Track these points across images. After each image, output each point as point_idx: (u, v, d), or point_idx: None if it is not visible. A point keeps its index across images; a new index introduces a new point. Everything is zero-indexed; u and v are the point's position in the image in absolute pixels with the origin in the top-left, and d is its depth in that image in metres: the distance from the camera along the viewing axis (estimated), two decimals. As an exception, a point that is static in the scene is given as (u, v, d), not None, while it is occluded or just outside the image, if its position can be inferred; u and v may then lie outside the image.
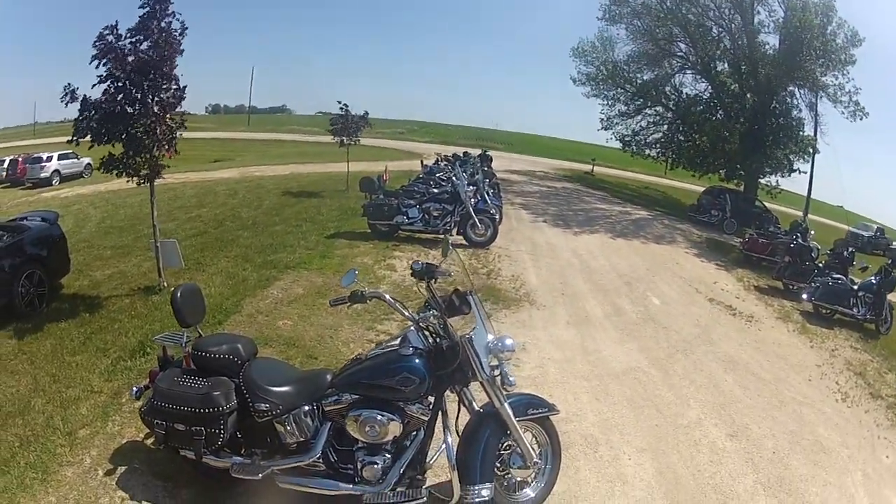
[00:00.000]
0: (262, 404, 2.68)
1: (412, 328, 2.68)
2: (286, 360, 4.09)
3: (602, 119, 21.84)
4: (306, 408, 2.70)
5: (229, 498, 3.14)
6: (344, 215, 10.60)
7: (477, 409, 2.70)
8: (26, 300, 5.94)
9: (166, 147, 5.82)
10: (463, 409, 2.73)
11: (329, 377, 2.76)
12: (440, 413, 2.64)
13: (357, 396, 2.60)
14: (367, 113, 13.77)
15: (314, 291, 6.31)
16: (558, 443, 2.91)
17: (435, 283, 2.76)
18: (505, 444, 2.67)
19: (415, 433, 2.63)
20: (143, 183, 5.95)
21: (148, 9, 5.43)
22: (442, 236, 7.49)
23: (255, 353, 3.00)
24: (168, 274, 6.48)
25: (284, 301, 5.99)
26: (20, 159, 23.44)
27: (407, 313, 2.71)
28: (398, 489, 2.58)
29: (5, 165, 23.25)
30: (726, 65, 19.27)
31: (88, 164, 22.43)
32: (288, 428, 2.71)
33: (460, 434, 2.69)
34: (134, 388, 3.28)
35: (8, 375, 4.74)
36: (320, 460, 2.69)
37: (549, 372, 4.66)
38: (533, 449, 2.72)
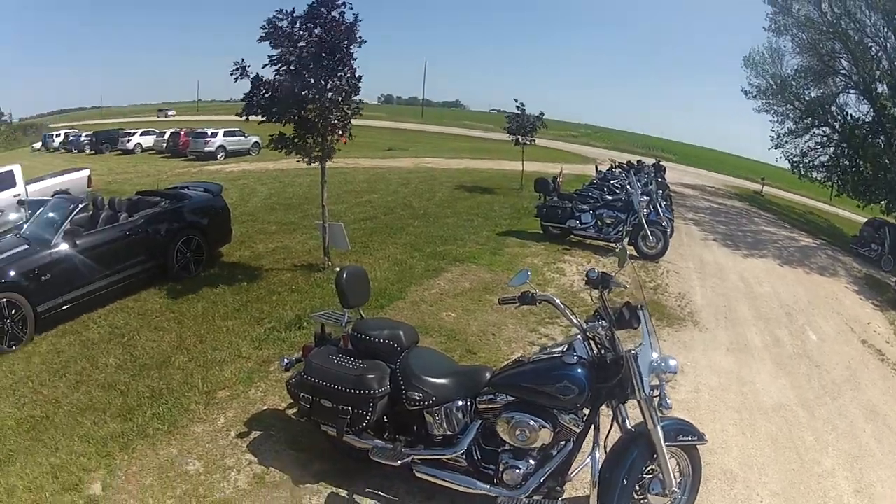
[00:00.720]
0: (416, 393, 3.81)
1: (579, 337, 3.66)
2: (445, 353, 5.32)
3: (772, 136, 28.34)
4: (460, 403, 3.78)
5: (362, 479, 4.42)
6: (517, 214, 14.43)
7: (629, 427, 3.55)
8: (181, 263, 9.10)
9: (340, 132, 8.57)
10: (615, 426, 3.61)
11: (488, 375, 3.82)
12: (592, 427, 3.57)
13: (513, 398, 3.59)
14: (542, 113, 19.06)
15: (481, 287, 8.65)
16: (700, 474, 3.80)
17: (608, 293, 3.67)
18: (648, 468, 3.52)
19: (563, 443, 3.58)
20: (313, 163, 8.53)
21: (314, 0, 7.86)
22: (613, 245, 11.33)
23: (416, 341, 4.23)
24: (333, 254, 9.26)
25: (450, 293, 8.28)
26: (182, 132, 38.08)
27: (575, 321, 3.65)
28: (534, 497, 3.56)
29: (165, 137, 39.26)
30: (885, 86, 23.94)
31: (256, 142, 34.50)
32: (437, 420, 3.82)
33: (607, 451, 3.60)
34: (285, 360, 4.82)
35: (151, 331, 7.34)
36: (463, 456, 3.74)
37: (703, 398, 6.22)
38: (674, 477, 3.56)
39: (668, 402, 3.44)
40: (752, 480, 4.88)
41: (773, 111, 28.11)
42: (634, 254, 11.47)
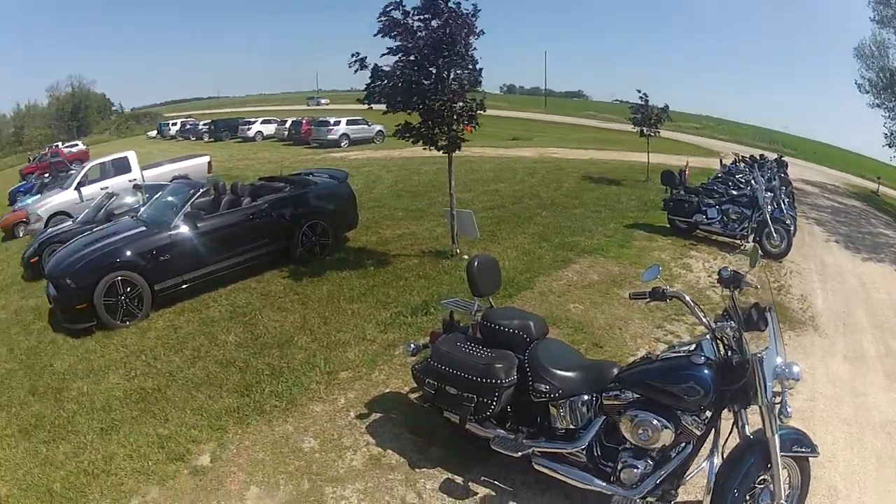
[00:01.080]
0: (543, 385, 4.51)
1: (707, 337, 4.20)
2: (572, 345, 6.03)
3: (886, 134, 32.90)
4: (585, 397, 4.44)
5: (478, 467, 5.33)
6: (643, 206, 16.39)
7: (748, 434, 4.04)
8: (306, 247, 11.10)
9: (465, 122, 9.97)
10: (734, 431, 4.13)
11: (615, 371, 4.45)
12: (712, 430, 4.11)
13: (638, 396, 4.19)
14: (667, 105, 22.35)
15: (609, 279, 9.95)
16: (807, 488, 4.28)
17: (739, 292, 4.17)
18: (761, 478, 3.97)
19: (683, 445, 4.14)
20: (442, 153, 10.33)
21: None
22: (738, 241, 13.26)
23: (545, 332, 5.00)
24: (461, 242, 10.72)
25: (578, 285, 9.60)
26: (304, 121, 49.06)
27: (705, 320, 4.21)
28: (648, 499, 4.14)
29: (288, 125, 50.67)
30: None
31: (380, 131, 43.46)
32: (561, 413, 4.51)
33: (724, 456, 4.11)
34: (411, 345, 5.80)
35: (274, 311, 8.93)
36: (583, 452, 4.40)
37: (818, 408, 6.88)
38: (784, 489, 4.00)
39: (789, 409, 3.90)
40: (853, 498, 5.30)
41: (884, 106, 32.55)
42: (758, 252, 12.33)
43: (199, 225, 9.91)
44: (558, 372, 4.49)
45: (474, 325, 5.19)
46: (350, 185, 12.41)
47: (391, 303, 8.78)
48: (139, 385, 7.23)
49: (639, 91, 21.68)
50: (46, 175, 33.40)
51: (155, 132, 71.94)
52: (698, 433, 4.02)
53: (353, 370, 7.06)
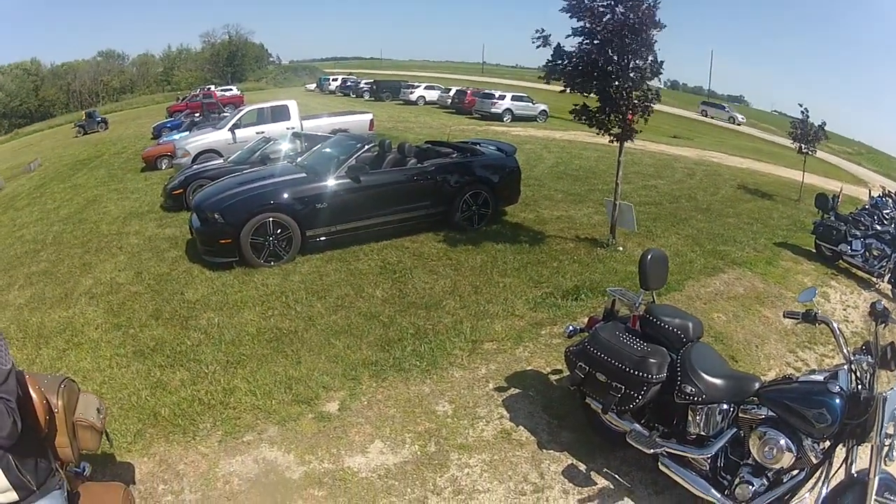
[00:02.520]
0: (690, 387, 4.84)
1: (845, 367, 4.42)
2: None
3: None
4: (724, 406, 4.78)
5: (602, 458, 5.76)
6: (793, 226, 16.79)
7: (853, 472, 4.22)
8: (465, 215, 11.82)
9: (640, 113, 10.45)
10: (843, 466, 4.32)
11: (756, 385, 4.77)
12: (827, 462, 4.33)
13: (772, 414, 4.48)
14: (824, 123, 22.77)
15: (753, 295, 10.29)
16: None
17: (884, 327, 4.47)
18: None
19: (796, 472, 4.42)
20: (614, 141, 10.86)
21: None
22: (874, 279, 13.31)
23: (699, 336, 5.36)
24: (624, 233, 11.23)
25: (724, 295, 9.96)
26: (469, 91, 53.38)
27: (845, 350, 4.45)
28: None
29: (451, 94, 55.44)
30: None
31: (544, 110, 48.81)
32: (698, 418, 4.85)
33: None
34: (570, 326, 6.19)
35: (425, 273, 9.57)
36: (708, 460, 4.76)
37: None
38: None
39: (895, 454, 4.13)
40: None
41: None
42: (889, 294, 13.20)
43: (361, 179, 10.71)
44: (706, 377, 4.80)
45: (635, 317, 5.56)
46: (517, 160, 13.05)
47: (543, 282, 9.30)
48: (275, 325, 7.87)
49: (800, 105, 22.31)
50: (197, 114, 35.98)
51: (314, 85, 77.90)
52: (814, 461, 4.26)
53: (497, 342, 7.50)
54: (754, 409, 4.52)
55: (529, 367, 7.01)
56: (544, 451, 5.72)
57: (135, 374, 7.06)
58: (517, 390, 6.57)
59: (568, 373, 6.05)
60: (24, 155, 45.69)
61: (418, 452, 5.67)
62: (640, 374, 4.91)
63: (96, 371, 7.24)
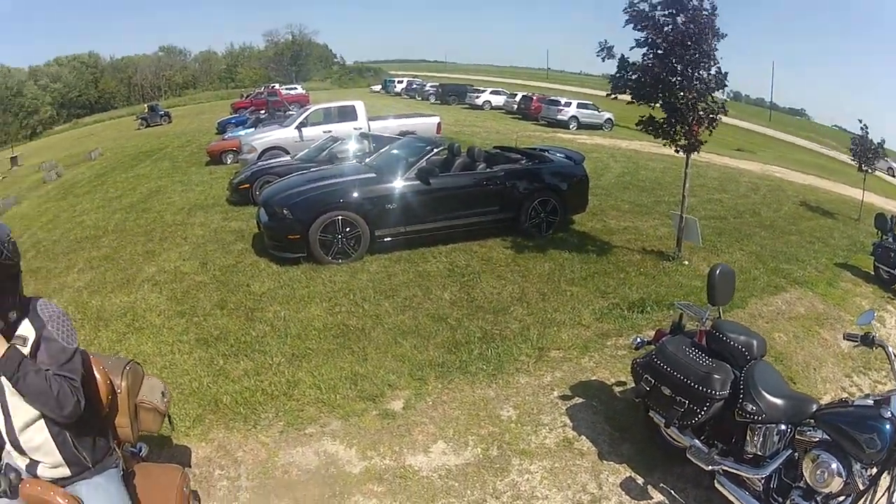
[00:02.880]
0: (751, 406, 4.91)
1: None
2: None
3: None
4: (783, 427, 4.84)
5: (660, 473, 5.82)
6: (853, 247, 16.82)
7: (894, 500, 4.29)
8: (533, 222, 11.97)
9: (706, 125, 10.55)
10: (885, 495, 4.39)
11: (814, 407, 4.84)
12: (871, 489, 4.38)
13: (826, 437, 4.52)
14: (883, 141, 22.83)
15: (813, 316, 10.31)
16: None
17: None
18: None
19: (843, 497, 4.44)
20: (680, 152, 10.95)
21: None
22: None
23: (763, 354, 5.42)
24: (689, 247, 11.36)
25: (785, 315, 10.03)
26: (535, 97, 55.75)
27: None
28: None
29: (517, 99, 57.79)
30: None
31: (609, 119, 49.20)
32: (756, 437, 4.92)
33: None
34: (638, 338, 6.27)
35: (493, 278, 9.76)
36: (762, 480, 4.82)
37: None
38: None
39: None
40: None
41: None
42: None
43: (431, 181, 10.95)
44: (767, 396, 4.87)
45: (701, 332, 5.65)
46: (585, 169, 13.16)
47: (610, 293, 9.45)
48: (342, 321, 8.11)
49: (860, 121, 22.17)
50: (262, 112, 36.87)
51: (379, 87, 79.80)
52: (861, 487, 4.30)
53: (564, 351, 7.66)
54: (810, 431, 4.58)
55: (594, 378, 7.17)
56: (604, 461, 5.85)
57: (197, 361, 7.32)
58: (581, 400, 6.71)
59: (633, 385, 6.27)
60: (83, 144, 47.40)
61: (480, 455, 5.79)
62: (705, 389, 5.00)
63: (157, 356, 7.52)
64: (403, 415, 6.27)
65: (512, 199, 11.74)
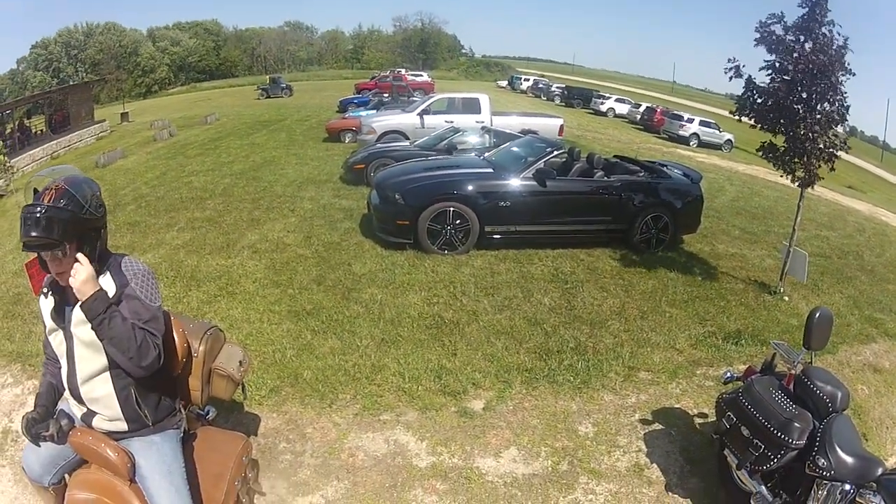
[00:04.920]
0: (823, 461, 4.73)
1: None
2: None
3: None
4: (847, 487, 4.66)
5: None
6: None
7: None
8: (644, 237, 11.88)
9: (826, 159, 10.29)
10: None
11: (879, 470, 4.67)
12: None
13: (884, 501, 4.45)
14: None
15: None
16: None
17: None
18: None
19: None
20: (796, 184, 10.65)
21: (807, 10, 9.73)
22: None
23: (845, 408, 5.25)
24: (791, 283, 11.10)
25: (872, 367, 9.47)
26: (658, 109, 56.57)
27: None
28: None
29: (641, 110, 58.85)
30: None
31: (729, 140, 49.18)
32: (821, 494, 4.76)
33: None
34: (728, 373, 6.12)
35: (596, 289, 9.74)
36: None
37: None
38: None
39: None
40: None
41: None
42: None
43: (548, 183, 10.99)
44: (840, 452, 4.69)
45: (791, 376, 5.47)
46: (702, 189, 12.99)
47: (708, 320, 9.20)
48: (437, 312, 8.22)
49: None
50: (386, 95, 37.66)
51: (505, 83, 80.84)
52: None
53: (653, 374, 7.55)
54: (870, 495, 4.43)
55: (678, 405, 7.04)
56: (670, 493, 5.78)
57: (284, 333, 7.53)
58: (660, 426, 6.60)
59: (714, 419, 6.14)
60: (199, 108, 48.94)
61: (550, 468, 5.79)
62: (783, 436, 4.86)
63: (245, 322, 7.78)
64: (482, 416, 6.31)
65: (626, 211, 11.66)
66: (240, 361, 4.54)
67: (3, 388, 6.58)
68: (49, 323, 3.47)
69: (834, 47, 9.63)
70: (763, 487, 5.14)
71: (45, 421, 3.48)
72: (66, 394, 3.61)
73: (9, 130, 34.09)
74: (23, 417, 3.54)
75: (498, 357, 7.27)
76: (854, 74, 9.88)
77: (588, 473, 5.77)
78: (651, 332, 8.48)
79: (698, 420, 6.79)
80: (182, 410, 4.00)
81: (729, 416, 5.41)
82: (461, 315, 8.16)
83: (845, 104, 10.00)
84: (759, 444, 5.00)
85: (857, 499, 4.49)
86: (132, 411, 3.53)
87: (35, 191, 3.20)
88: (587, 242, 11.39)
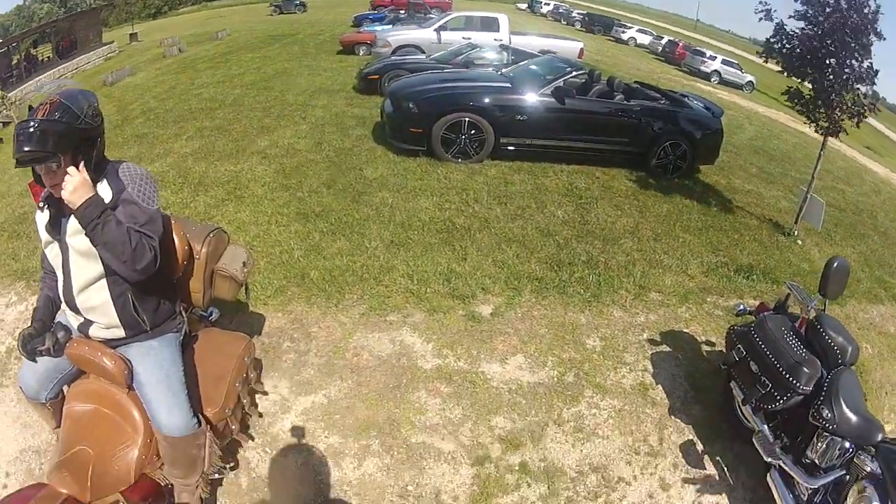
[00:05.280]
0: (827, 412, 4.77)
1: None
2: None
3: None
4: (847, 445, 4.71)
5: (720, 443, 5.82)
6: None
7: None
8: (661, 162, 11.90)
9: (848, 116, 10.31)
10: None
11: (879, 436, 4.67)
12: None
13: (878, 472, 4.43)
14: None
15: None
16: None
17: None
18: None
19: None
20: (820, 133, 10.69)
21: None
22: None
23: (853, 362, 5.28)
24: (801, 227, 11.12)
25: (877, 328, 9.49)
26: (680, 44, 57.38)
27: None
28: None
29: (663, 42, 59.91)
30: None
31: (751, 81, 50.49)
32: (820, 446, 4.82)
33: None
34: (741, 305, 6.15)
35: (610, 207, 9.72)
36: (809, 491, 4.81)
37: None
38: None
39: None
40: None
41: None
42: None
43: (566, 101, 11.02)
44: (844, 407, 4.70)
45: (804, 320, 5.51)
46: (722, 124, 13.04)
47: (721, 250, 9.19)
48: (449, 217, 8.19)
49: None
50: (402, 11, 37.46)
51: (525, 5, 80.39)
52: None
53: (663, 295, 7.53)
54: (867, 459, 4.47)
55: (686, 330, 7.02)
56: (672, 418, 5.83)
57: (292, 234, 7.50)
58: (667, 349, 6.60)
59: (722, 349, 6.32)
60: (210, 25, 48.13)
61: (555, 379, 5.82)
62: (791, 379, 4.88)
63: (252, 224, 7.74)
64: (489, 321, 6.29)
65: (644, 135, 11.62)
66: (243, 262, 4.52)
67: (7, 308, 6.56)
68: (45, 236, 3.45)
69: (868, 10, 9.66)
70: (766, 427, 5.23)
71: (41, 336, 3.48)
72: (63, 305, 3.58)
73: (14, 62, 34.11)
74: (19, 334, 3.56)
75: (508, 264, 7.26)
76: (884, 39, 9.93)
77: (593, 387, 5.81)
78: (664, 254, 8.50)
79: (705, 348, 6.81)
80: (183, 313, 3.97)
81: (739, 348, 5.48)
82: (473, 221, 8.15)
83: (873, 67, 10.05)
84: (767, 382, 5.05)
85: (855, 459, 4.55)
86: (129, 317, 3.51)
87: (30, 108, 3.14)
88: (603, 161, 11.43)
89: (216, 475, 4.09)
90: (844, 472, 4.62)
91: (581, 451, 5.36)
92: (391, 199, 8.56)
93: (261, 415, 5.11)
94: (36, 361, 3.55)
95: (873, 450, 4.52)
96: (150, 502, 3.78)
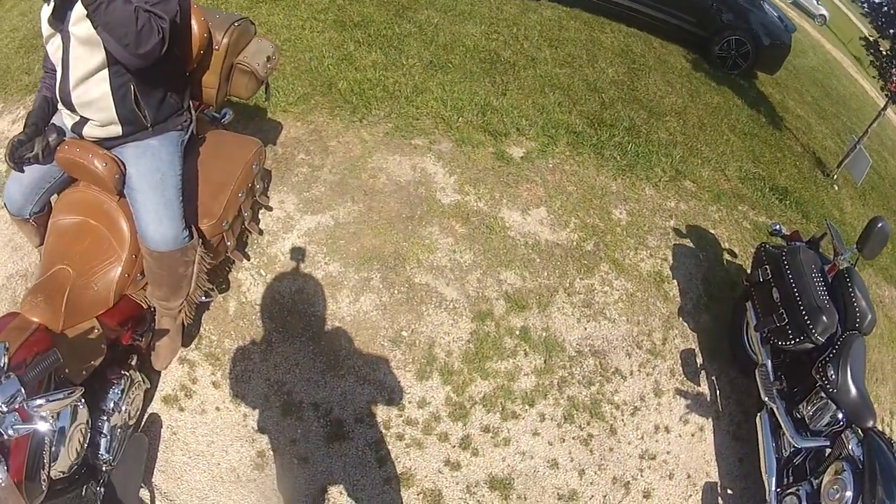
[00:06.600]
0: (832, 372, 4.72)
1: None
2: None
3: None
4: (839, 416, 4.70)
5: (721, 367, 5.79)
6: None
7: None
8: (722, 55, 11.69)
9: None
10: None
11: (870, 422, 4.66)
12: None
13: (859, 456, 4.46)
14: None
15: None
16: None
17: None
18: None
19: None
20: (884, 92, 10.57)
21: None
22: None
23: (868, 332, 5.18)
24: (841, 175, 10.85)
25: (883, 309, 9.08)
26: None
27: None
28: None
29: None
30: None
31: (824, 15, 44.97)
32: (814, 403, 4.82)
33: None
34: (777, 226, 5.94)
35: (663, 81, 9.54)
36: (792, 447, 4.82)
37: None
38: None
39: None
40: None
41: None
42: None
43: None
44: (849, 376, 4.66)
45: (834, 266, 5.40)
46: (791, 40, 12.77)
47: (761, 163, 8.86)
48: (495, 49, 7.76)
49: None
50: None
51: None
52: None
53: (697, 188, 7.28)
54: (853, 441, 4.51)
55: (713, 231, 6.81)
56: (680, 319, 5.69)
57: (326, 42, 7.06)
58: (689, 245, 6.40)
59: (744, 265, 6.33)
60: None
61: (574, 242, 5.63)
62: (808, 321, 4.79)
63: (285, 28, 7.29)
64: (519, 164, 6.02)
65: (713, 21, 11.37)
66: (268, 57, 4.17)
67: (13, 124, 6.12)
68: (47, 30, 3.12)
69: None
70: (769, 362, 5.20)
71: (31, 141, 3.20)
72: (59, 106, 3.26)
73: None
74: (8, 142, 3.23)
75: (549, 110, 6.93)
76: None
77: (611, 262, 5.66)
78: (705, 145, 8.20)
79: (727, 257, 6.65)
80: (192, 111, 3.67)
81: (766, 268, 5.39)
82: (519, 58, 7.77)
83: None
84: (784, 315, 4.99)
85: (842, 435, 4.58)
86: (129, 112, 3.20)
87: None
88: (664, 33, 11.20)
89: (203, 298, 3.91)
90: (829, 443, 4.70)
91: (585, 328, 5.25)
92: (437, 19, 8.11)
93: (261, 232, 4.89)
94: (23, 171, 3.28)
95: (861, 434, 4.55)
96: (129, 328, 3.58)
